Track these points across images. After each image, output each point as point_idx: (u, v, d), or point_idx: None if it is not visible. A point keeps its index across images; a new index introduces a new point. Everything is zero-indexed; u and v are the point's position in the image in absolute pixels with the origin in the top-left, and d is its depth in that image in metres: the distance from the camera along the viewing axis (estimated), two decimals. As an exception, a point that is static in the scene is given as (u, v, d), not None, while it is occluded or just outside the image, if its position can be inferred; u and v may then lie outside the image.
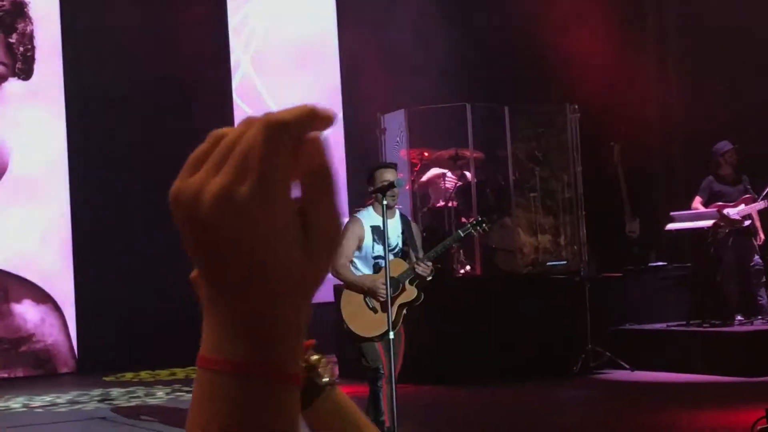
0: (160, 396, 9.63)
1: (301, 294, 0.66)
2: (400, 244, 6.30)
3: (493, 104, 11.40)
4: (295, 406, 0.67)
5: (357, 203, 8.64)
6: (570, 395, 9.08)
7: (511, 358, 9.75)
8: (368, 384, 6.15)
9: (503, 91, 12.02)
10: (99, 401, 9.42)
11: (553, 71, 12.34)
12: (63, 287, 12.00)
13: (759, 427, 5.55)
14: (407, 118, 11.06)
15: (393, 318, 5.91)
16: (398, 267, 6.16)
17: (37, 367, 11.85)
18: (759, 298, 10.14)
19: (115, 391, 9.99)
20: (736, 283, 10.24)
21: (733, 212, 10.00)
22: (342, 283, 6.29)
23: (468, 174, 11.11)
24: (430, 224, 10.59)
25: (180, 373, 11.01)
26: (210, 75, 12.78)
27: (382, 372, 6.01)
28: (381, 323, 5.97)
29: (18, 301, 11.88)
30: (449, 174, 11.11)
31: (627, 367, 9.84)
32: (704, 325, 9.94)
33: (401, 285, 6.16)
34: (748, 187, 10.14)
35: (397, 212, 6.36)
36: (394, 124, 11.19)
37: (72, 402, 9.50)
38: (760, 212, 10.14)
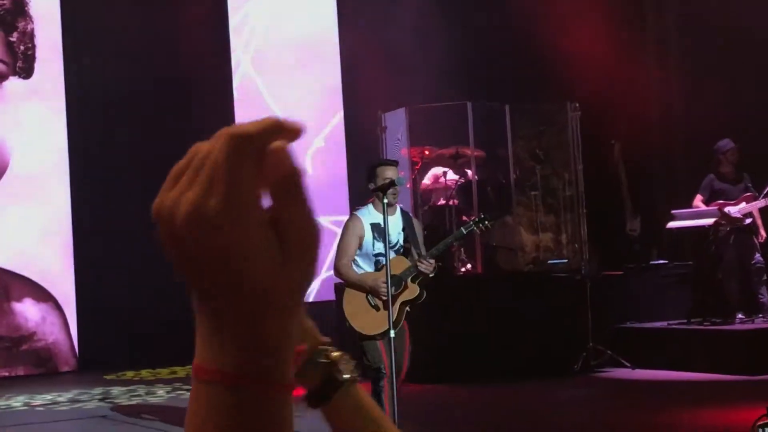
0: (161, 395, 9.62)
1: (283, 301, 0.67)
2: (401, 241, 6.28)
3: (494, 103, 11.39)
4: (288, 411, 0.68)
5: (358, 202, 8.63)
6: (571, 394, 9.07)
7: (511, 357, 9.74)
8: (370, 383, 6.13)
9: (504, 89, 12.02)
10: (100, 400, 9.41)
11: (553, 70, 12.33)
12: (63, 286, 11.99)
13: (760, 423, 5.54)
14: (408, 116, 11.06)
15: (395, 316, 5.90)
16: (400, 264, 6.13)
17: (38, 366, 11.85)
18: (760, 296, 10.14)
19: (115, 390, 9.98)
20: (737, 282, 10.24)
21: (734, 210, 10.00)
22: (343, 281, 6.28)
23: (469, 172, 11.11)
24: (431, 223, 10.59)
25: (181, 371, 11.00)
26: (210, 75, 12.77)
27: (383, 372, 5.99)
28: (383, 321, 5.94)
29: (19, 299, 11.87)
30: (450, 172, 11.10)
31: (628, 365, 9.83)
32: (705, 324, 9.93)
33: (403, 283, 6.11)
34: (749, 185, 10.14)
35: (398, 208, 6.31)
36: (395, 123, 11.19)
37: (73, 400, 9.49)
38: (761, 210, 10.14)
